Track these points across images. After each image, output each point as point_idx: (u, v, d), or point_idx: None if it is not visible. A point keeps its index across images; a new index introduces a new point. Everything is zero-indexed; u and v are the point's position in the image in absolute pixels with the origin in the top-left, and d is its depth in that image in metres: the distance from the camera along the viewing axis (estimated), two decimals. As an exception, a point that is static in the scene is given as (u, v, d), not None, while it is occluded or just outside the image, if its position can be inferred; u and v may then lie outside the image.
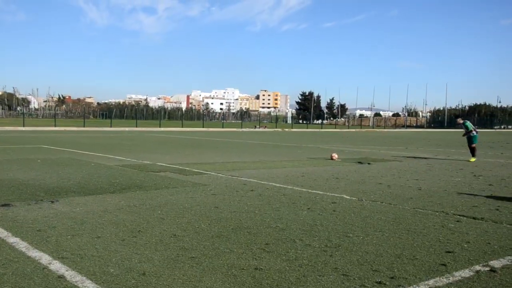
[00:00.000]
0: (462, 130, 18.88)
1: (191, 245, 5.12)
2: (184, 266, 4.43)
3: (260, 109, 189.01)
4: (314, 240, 5.43)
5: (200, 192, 8.67)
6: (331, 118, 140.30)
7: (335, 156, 16.60)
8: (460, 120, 19.33)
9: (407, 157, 18.46)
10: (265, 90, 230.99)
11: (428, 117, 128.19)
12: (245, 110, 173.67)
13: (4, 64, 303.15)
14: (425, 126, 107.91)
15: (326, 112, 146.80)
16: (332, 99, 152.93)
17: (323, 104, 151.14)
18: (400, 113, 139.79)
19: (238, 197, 8.23)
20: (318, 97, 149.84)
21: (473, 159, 17.31)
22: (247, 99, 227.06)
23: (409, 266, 4.54)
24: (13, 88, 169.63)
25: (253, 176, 11.18)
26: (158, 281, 4.02)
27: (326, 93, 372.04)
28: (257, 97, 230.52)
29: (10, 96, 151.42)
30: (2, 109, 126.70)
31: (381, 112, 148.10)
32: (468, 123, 18.57)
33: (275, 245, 5.21)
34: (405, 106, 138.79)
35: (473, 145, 17.82)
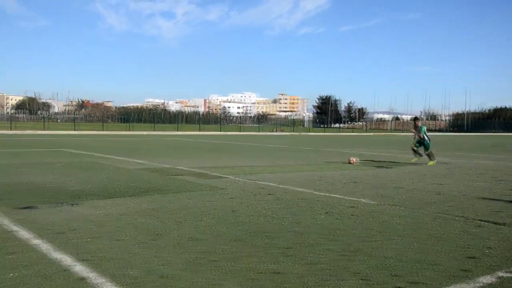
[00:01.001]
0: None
1: (210, 249, 5.14)
2: (203, 269, 4.44)
3: (278, 113, 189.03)
4: (333, 244, 5.41)
5: (218, 196, 8.70)
6: (349, 122, 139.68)
7: (353, 160, 16.48)
8: (418, 123, 18.37)
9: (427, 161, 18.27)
10: (283, 94, 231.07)
11: (449, 120, 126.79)
12: (262, 114, 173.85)
13: (25, 69, 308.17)
14: (446, 130, 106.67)
15: (344, 116, 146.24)
16: (350, 102, 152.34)
17: (341, 108, 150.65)
18: (419, 117, 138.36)
19: (256, 201, 8.23)
20: (336, 101, 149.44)
21: (432, 162, 16.87)
22: (265, 103, 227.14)
23: (430, 272, 4.49)
24: (34, 92, 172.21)
25: (271, 179, 11.17)
26: (177, 284, 4.04)
27: (344, 97, 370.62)
28: (275, 101, 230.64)
29: (32, 100, 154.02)
30: (24, 113, 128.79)
31: (400, 116, 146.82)
32: (424, 128, 17.91)
33: (294, 249, 5.20)
34: (424, 110, 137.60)
35: (428, 152, 17.34)
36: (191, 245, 5.29)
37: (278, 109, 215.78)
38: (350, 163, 16.21)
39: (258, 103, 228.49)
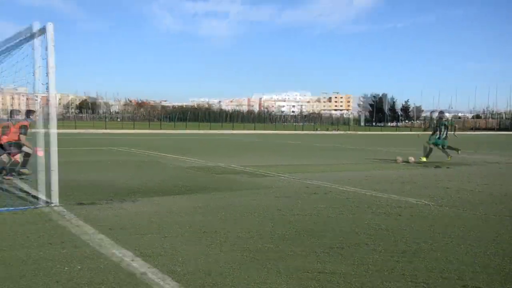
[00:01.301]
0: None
1: (255, 247, 5.18)
2: (249, 267, 4.49)
3: (332, 112, 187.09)
4: (379, 245, 5.32)
5: (263, 194, 8.74)
6: (406, 121, 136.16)
7: (399, 159, 16.13)
8: (441, 116, 17.22)
9: (479, 160, 17.56)
10: (337, 93, 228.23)
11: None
12: (317, 112, 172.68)
13: (88, 70, 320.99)
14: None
15: (401, 114, 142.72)
16: (407, 101, 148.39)
17: (398, 106, 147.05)
18: (481, 114, 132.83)
19: (301, 200, 8.21)
20: (392, 99, 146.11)
21: (424, 159, 16.29)
22: (319, 102, 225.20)
23: (482, 275, 4.33)
24: (96, 93, 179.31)
25: (317, 178, 11.09)
26: (224, 281, 4.10)
27: (401, 95, 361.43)
28: (329, 100, 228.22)
29: (94, 100, 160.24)
30: (86, 112, 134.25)
31: (463, 114, 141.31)
32: (445, 123, 16.84)
33: (340, 248, 5.16)
34: (487, 108, 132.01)
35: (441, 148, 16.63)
36: (237, 243, 5.35)
37: (333, 108, 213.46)
38: (397, 162, 15.87)
39: (312, 102, 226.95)
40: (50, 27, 7.24)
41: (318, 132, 61.17)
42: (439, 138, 16.57)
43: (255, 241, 5.43)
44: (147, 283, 4.02)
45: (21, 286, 3.91)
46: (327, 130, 69.08)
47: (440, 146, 16.67)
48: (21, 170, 10.32)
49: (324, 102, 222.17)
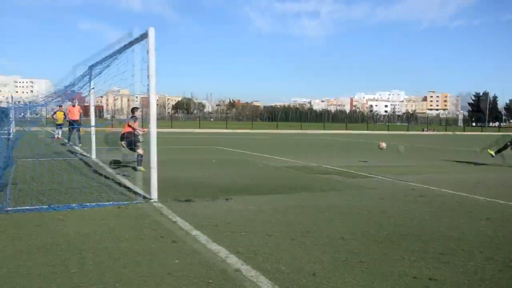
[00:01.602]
0: None
1: (360, 249, 5.07)
2: (353, 269, 4.40)
3: (428, 111, 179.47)
4: (496, 254, 4.97)
5: (366, 196, 8.54)
6: (511, 120, 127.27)
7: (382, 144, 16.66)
8: None
9: None
10: (433, 91, 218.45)
11: None
12: (411, 112, 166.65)
13: (183, 71, 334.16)
14: None
15: (505, 113, 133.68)
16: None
17: (501, 105, 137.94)
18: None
19: (407, 203, 7.92)
20: (495, 98, 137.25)
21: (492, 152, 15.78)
22: (414, 101, 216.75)
23: None
24: (191, 93, 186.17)
25: (423, 181, 10.64)
26: (328, 282, 4.05)
27: (504, 93, 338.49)
28: (424, 99, 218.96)
29: (188, 101, 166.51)
30: (182, 113, 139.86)
31: None
32: None
33: (451, 255, 4.90)
34: None
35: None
36: (340, 244, 5.27)
37: (429, 107, 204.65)
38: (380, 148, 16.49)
39: (406, 101, 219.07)
40: (151, 32, 7.59)
41: (418, 132, 58.89)
42: None
43: (360, 243, 5.31)
44: (252, 280, 4.07)
45: (137, 275, 4.12)
46: (422, 130, 66.32)
47: None
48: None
49: (423, 101, 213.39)
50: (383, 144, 16.81)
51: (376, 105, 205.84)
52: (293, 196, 8.38)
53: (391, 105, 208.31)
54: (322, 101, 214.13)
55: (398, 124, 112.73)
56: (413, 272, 4.35)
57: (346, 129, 59.52)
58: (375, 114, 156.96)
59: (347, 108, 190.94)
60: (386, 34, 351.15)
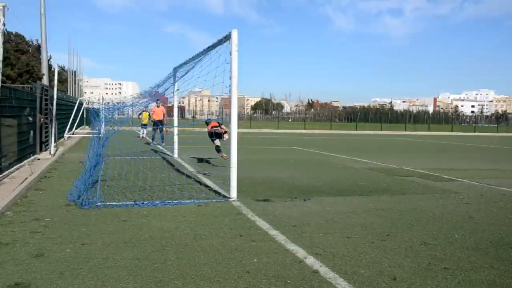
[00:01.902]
0: None
1: (444, 255, 4.85)
2: (437, 276, 4.22)
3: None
4: None
5: (451, 200, 8.17)
6: None
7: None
8: None
9: None
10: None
11: None
12: (501, 113, 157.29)
13: (262, 72, 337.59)
14: None
15: None
16: None
17: None
18: None
19: (496, 208, 7.48)
20: None
21: None
22: (504, 101, 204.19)
23: None
24: (270, 94, 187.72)
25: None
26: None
27: None
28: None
29: (267, 101, 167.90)
30: (260, 113, 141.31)
31: None
32: None
33: (546, 266, 4.56)
34: None
35: None
36: (423, 249, 5.08)
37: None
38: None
39: (496, 101, 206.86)
40: (234, 34, 7.73)
41: (508, 134, 55.51)
42: None
43: (444, 249, 5.09)
44: (330, 282, 4.02)
45: (217, 272, 4.21)
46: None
47: None
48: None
49: (511, 101, 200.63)
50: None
51: (462, 106, 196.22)
52: (373, 198, 8.19)
53: (478, 105, 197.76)
54: (403, 102, 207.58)
55: (486, 125, 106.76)
56: (504, 282, 4.10)
57: (429, 130, 57.25)
58: (460, 114, 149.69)
59: (430, 109, 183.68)
60: (474, 31, 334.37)
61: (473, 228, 6.08)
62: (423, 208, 7.36)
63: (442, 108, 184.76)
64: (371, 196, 8.41)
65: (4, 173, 9.29)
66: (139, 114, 24.19)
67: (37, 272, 4.10)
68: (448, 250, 5.05)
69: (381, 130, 53.64)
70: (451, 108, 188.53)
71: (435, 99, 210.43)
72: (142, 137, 24.47)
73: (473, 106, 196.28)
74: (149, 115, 23.02)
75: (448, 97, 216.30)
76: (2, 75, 6.45)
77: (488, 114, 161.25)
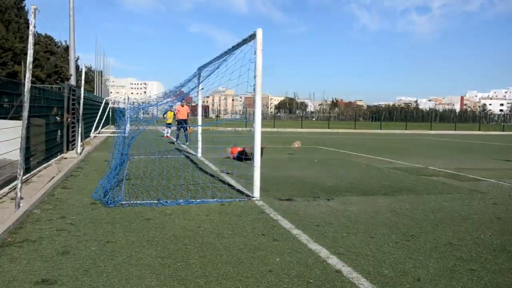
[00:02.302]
0: None
1: (470, 256, 4.77)
2: (462, 277, 4.15)
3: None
4: None
5: (478, 200, 8.02)
6: None
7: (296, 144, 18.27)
8: None
9: None
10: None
11: None
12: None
13: (286, 71, 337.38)
14: None
15: None
16: None
17: None
18: None
19: (525, 209, 7.31)
20: None
21: None
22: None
23: None
24: (294, 93, 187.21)
25: (543, 186, 9.78)
26: (433, 289, 3.87)
27: None
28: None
29: (291, 100, 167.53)
30: (284, 112, 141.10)
31: None
32: None
33: None
34: None
35: None
36: (448, 250, 5.00)
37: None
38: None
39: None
40: (259, 33, 7.74)
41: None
42: None
43: (470, 250, 5.01)
44: (353, 282, 4.00)
45: (239, 271, 4.22)
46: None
47: None
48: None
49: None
50: (296, 145, 18.35)
51: (490, 104, 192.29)
52: (397, 198, 8.10)
53: (508, 103, 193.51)
54: (429, 100, 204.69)
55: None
56: (531, 284, 4.01)
57: (455, 129, 56.28)
58: (488, 113, 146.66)
59: (457, 108, 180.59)
60: (503, 27, 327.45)
61: (500, 229, 5.96)
62: (448, 208, 7.25)
63: (469, 107, 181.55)
64: (396, 196, 8.32)
65: (32, 172, 9.49)
66: (164, 114, 24.42)
67: (63, 269, 4.18)
68: (474, 251, 4.96)
69: (406, 129, 52.99)
70: (479, 106, 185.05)
71: (462, 98, 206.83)
72: (167, 136, 24.71)
73: (501, 105, 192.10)
74: (174, 114, 23.21)
75: (476, 96, 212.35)
76: (32, 76, 6.57)
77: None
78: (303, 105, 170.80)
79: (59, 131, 13.30)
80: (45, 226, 5.68)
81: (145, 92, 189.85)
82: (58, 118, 13.18)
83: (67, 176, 9.88)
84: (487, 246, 5.17)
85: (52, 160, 11.58)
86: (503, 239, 5.48)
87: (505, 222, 6.35)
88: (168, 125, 24.79)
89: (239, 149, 14.09)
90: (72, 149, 14.50)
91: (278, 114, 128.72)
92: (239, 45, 8.84)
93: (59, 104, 13.36)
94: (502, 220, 6.48)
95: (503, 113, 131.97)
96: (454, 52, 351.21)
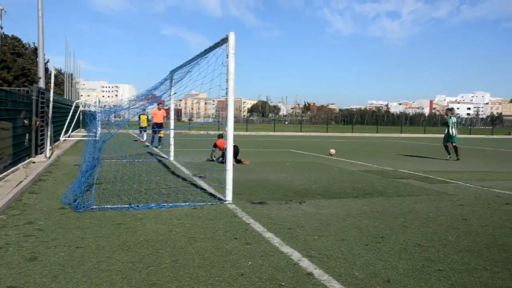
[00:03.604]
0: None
1: (438, 257, 4.87)
2: (430, 278, 4.23)
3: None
4: None
5: (446, 202, 8.19)
6: None
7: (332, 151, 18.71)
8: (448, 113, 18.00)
9: None
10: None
11: None
12: (496, 115, 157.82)
13: (259, 75, 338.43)
14: None
15: None
16: None
17: None
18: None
19: (491, 210, 7.50)
20: None
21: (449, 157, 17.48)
22: (500, 103, 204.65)
23: None
24: (266, 97, 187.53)
25: (509, 188, 10.05)
26: (402, 290, 3.94)
27: None
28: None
29: (264, 104, 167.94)
30: (257, 115, 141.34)
31: None
32: (451, 120, 17.31)
33: (539, 267, 4.58)
34: None
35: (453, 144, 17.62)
36: (417, 251, 5.09)
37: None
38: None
39: (492, 103, 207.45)
40: (231, 36, 7.75)
41: (503, 136, 55.66)
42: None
43: (437, 251, 5.11)
44: (325, 285, 4.03)
45: (211, 275, 4.21)
46: (508, 134, 62.53)
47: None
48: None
49: (506, 103, 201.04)
50: (332, 151, 18.98)
51: (458, 108, 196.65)
52: (368, 201, 8.21)
53: (474, 107, 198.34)
54: (400, 104, 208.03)
55: (482, 127, 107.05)
56: (497, 284, 4.12)
57: (425, 132, 57.36)
58: (456, 117, 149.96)
59: (426, 111, 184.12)
60: (471, 33, 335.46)
61: (467, 230, 6.11)
62: (417, 210, 7.38)
63: (438, 111, 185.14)
64: (367, 199, 8.43)
65: (-1, 177, 9.26)
66: (138, 117, 24.10)
67: (30, 276, 4.09)
68: (442, 252, 5.06)
69: (377, 133, 53.71)
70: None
71: (431, 102, 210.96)
72: (140, 140, 24.41)
73: (469, 109, 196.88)
74: (148, 118, 22.95)
75: (444, 100, 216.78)
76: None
77: (483, 116, 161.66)
78: (276, 109, 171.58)
79: (27, 134, 13.02)
80: (12, 232, 5.55)
81: (116, 95, 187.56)
82: (26, 122, 12.90)
83: (35, 180, 9.69)
84: (454, 247, 5.28)
85: (20, 165, 11.33)
86: (469, 240, 5.61)
87: (471, 224, 6.50)
88: (142, 129, 24.50)
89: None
90: (41, 153, 14.21)
91: (251, 118, 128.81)
92: (211, 49, 8.83)
93: (27, 107, 13.08)
94: (468, 222, 6.63)
95: (470, 117, 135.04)
96: (424, 57, 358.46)
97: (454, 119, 17.87)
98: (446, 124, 17.98)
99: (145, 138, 24.41)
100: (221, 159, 14.17)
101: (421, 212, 7.24)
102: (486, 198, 8.72)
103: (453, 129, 17.64)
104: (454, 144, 17.64)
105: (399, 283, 4.11)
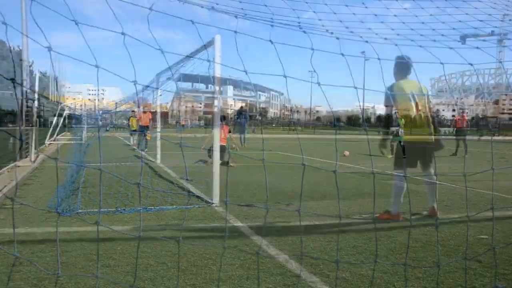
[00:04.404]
0: None
1: (422, 257, 4.91)
2: (415, 278, 4.26)
3: (500, 116, 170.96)
4: None
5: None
6: None
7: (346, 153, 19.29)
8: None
9: None
10: (506, 94, 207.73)
11: None
12: (481, 116, 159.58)
13: (246, 77, 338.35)
14: None
15: None
16: None
17: None
18: None
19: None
20: None
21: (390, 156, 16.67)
22: (485, 105, 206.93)
23: None
24: (254, 99, 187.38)
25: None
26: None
27: None
28: (496, 102, 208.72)
29: (251, 106, 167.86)
30: (244, 117, 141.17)
31: None
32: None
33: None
34: None
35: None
36: (404, 251, 5.13)
37: (501, 111, 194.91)
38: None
39: (476, 105, 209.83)
40: (217, 39, 7.74)
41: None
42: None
43: (420, 251, 5.14)
44: (311, 286, 4.03)
45: (198, 278, 4.20)
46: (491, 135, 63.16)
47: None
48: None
49: (489, 104, 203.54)
50: (346, 153, 19.61)
51: (444, 110, 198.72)
52: (356, 202, 8.24)
53: (460, 109, 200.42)
54: (386, 106, 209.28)
55: (467, 129, 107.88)
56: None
57: (411, 133, 57.78)
58: (442, 118, 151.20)
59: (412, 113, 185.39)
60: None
61: (450, 231, 6.16)
62: (404, 211, 7.42)
63: (423, 112, 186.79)
64: (354, 200, 8.46)
65: (-17, 181, 9.15)
66: (128, 120, 23.94)
67: (14, 281, 4.04)
68: (427, 252, 5.10)
69: (366, 135, 53.95)
70: (433, 112, 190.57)
71: (416, 103, 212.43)
72: (133, 143, 24.22)
73: (454, 110, 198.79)
74: (137, 121, 22.85)
75: (430, 101, 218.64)
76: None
77: (468, 118, 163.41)
78: (264, 111, 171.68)
79: (11, 138, 12.88)
80: (-3, 237, 5.48)
81: (103, 98, 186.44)
82: (10, 125, 12.76)
83: (20, 185, 9.58)
84: (441, 245, 5.33)
85: (4, 169, 11.21)
86: (458, 241, 5.66)
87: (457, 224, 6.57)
88: (132, 132, 24.33)
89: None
90: (26, 157, 14.07)
91: (239, 120, 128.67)
92: (197, 51, 8.81)
93: (11, 110, 12.94)
94: (453, 223, 6.70)
95: (454, 119, 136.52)
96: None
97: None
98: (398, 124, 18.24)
99: (133, 140, 24.25)
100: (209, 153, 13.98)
101: (407, 213, 7.27)
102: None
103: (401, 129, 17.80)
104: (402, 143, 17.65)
105: (386, 283, 4.13)
